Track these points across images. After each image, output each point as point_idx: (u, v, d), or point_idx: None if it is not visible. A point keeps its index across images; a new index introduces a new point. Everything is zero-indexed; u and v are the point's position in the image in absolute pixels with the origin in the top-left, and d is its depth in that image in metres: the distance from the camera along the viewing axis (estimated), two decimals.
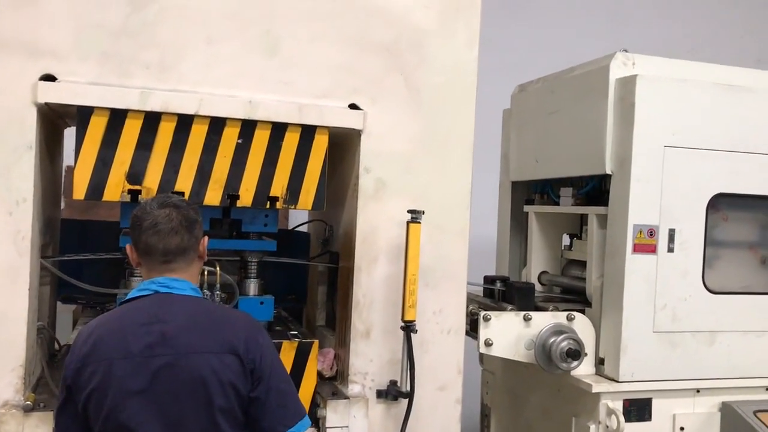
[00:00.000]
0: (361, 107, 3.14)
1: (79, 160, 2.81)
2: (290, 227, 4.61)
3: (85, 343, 2.20)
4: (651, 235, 3.50)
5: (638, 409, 3.53)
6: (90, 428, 2.17)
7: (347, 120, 3.12)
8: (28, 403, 2.72)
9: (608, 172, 3.60)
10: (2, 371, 2.72)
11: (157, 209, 2.29)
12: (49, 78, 2.76)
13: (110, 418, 2.11)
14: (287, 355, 2.98)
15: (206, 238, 2.41)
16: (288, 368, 2.89)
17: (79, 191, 2.81)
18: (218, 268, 3.08)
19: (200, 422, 2.15)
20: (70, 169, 3.72)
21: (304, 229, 4.19)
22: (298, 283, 3.94)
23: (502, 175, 4.64)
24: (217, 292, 3.06)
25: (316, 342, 3.08)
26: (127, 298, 2.32)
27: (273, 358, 2.31)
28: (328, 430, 3.04)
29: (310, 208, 3.14)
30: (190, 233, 2.31)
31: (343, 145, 3.31)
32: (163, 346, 2.15)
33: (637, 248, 3.47)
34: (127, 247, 2.37)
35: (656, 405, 3.56)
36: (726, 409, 3.62)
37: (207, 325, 2.23)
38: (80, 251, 3.31)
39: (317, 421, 3.05)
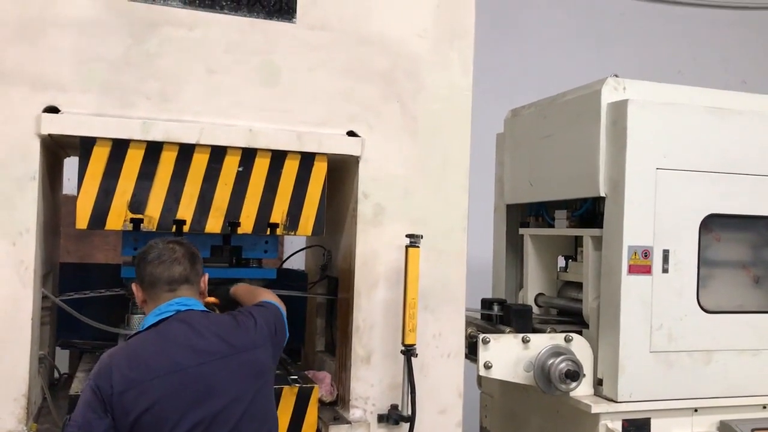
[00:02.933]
0: (359, 134, 3.19)
1: (82, 190, 2.84)
2: (286, 254, 4.63)
3: (122, 368, 2.27)
4: (645, 256, 3.55)
5: (637, 428, 3.55)
6: None
7: (345, 147, 3.17)
8: None
9: (602, 194, 3.65)
10: (5, 401, 2.72)
11: (161, 244, 2.51)
12: (52, 110, 2.80)
13: (176, 429, 2.23)
14: (287, 401, 2.98)
15: (206, 275, 2.60)
16: (288, 415, 2.97)
17: (82, 220, 2.83)
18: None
19: (256, 409, 2.38)
20: (67, 198, 3.76)
21: (302, 255, 4.21)
22: (296, 321, 3.89)
23: (497, 198, 4.69)
24: None
25: (317, 387, 3.08)
26: (151, 323, 2.41)
27: (277, 320, 2.64)
28: None
29: (309, 233, 3.17)
30: (192, 266, 2.51)
31: (342, 171, 3.36)
32: (211, 353, 2.34)
33: (632, 269, 3.52)
34: (133, 285, 2.52)
35: (655, 425, 3.58)
36: (724, 428, 3.65)
37: (237, 328, 2.45)
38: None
39: None
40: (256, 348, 2.45)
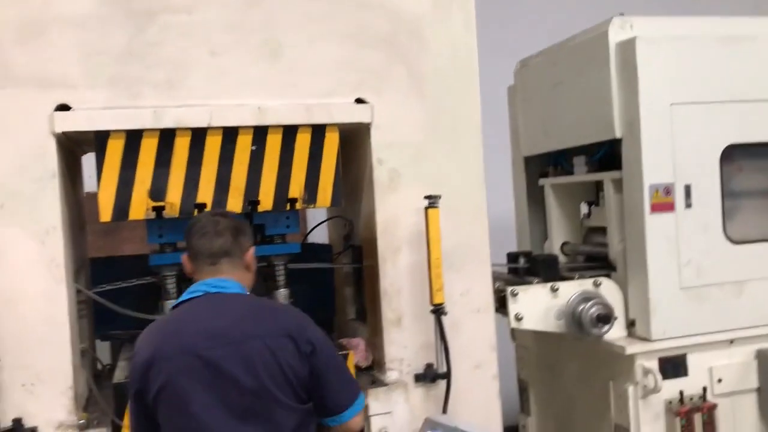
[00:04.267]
0: (367, 101, 3.19)
1: (102, 184, 2.89)
2: (309, 228, 4.68)
3: (148, 347, 2.34)
4: (667, 193, 3.52)
5: (674, 366, 3.56)
6: (160, 426, 2.32)
7: (355, 115, 3.17)
8: (83, 421, 2.82)
9: (618, 136, 3.62)
10: (53, 394, 2.81)
11: (207, 217, 2.55)
12: (63, 107, 2.84)
13: (182, 411, 2.26)
14: None
15: (253, 248, 2.56)
16: None
17: (105, 214, 2.88)
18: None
19: (263, 402, 2.28)
20: (90, 196, 3.82)
21: (324, 227, 4.25)
22: (324, 294, 3.95)
23: (514, 151, 4.67)
24: None
25: (351, 353, 3.15)
26: (179, 300, 2.46)
27: (325, 341, 2.44)
28: (371, 418, 3.10)
29: (329, 205, 3.20)
30: (235, 238, 2.49)
31: (354, 140, 3.36)
32: (222, 338, 2.30)
33: (655, 207, 3.50)
34: (183, 257, 2.55)
35: (691, 360, 3.59)
36: (762, 356, 3.65)
37: (260, 314, 2.40)
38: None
39: None
40: (277, 336, 2.33)
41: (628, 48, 3.53)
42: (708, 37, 3.62)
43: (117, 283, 3.33)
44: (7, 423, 2.74)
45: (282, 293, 3.33)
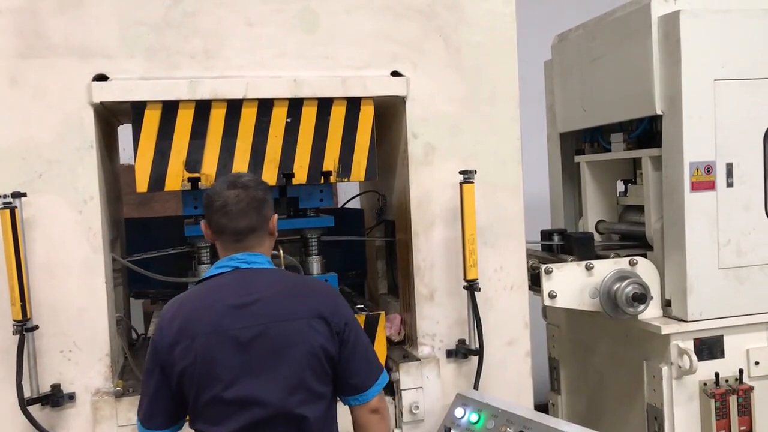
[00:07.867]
0: (403, 74, 3.15)
1: (138, 154, 2.90)
2: (340, 202, 4.67)
3: (173, 321, 2.24)
4: (708, 171, 3.44)
5: (710, 347, 3.51)
6: (183, 401, 2.24)
7: (391, 88, 3.13)
8: (119, 389, 2.86)
9: (658, 112, 3.54)
10: (91, 361, 2.86)
11: (226, 190, 2.32)
12: (101, 78, 2.85)
13: (207, 389, 2.18)
14: None
15: (275, 216, 2.44)
16: None
17: (142, 184, 2.90)
18: (281, 251, 3.14)
19: (292, 383, 2.22)
20: (125, 167, 3.85)
21: (357, 201, 4.24)
22: (357, 259, 3.98)
23: (549, 127, 4.60)
24: None
25: (383, 313, 3.14)
26: (208, 275, 2.36)
27: (354, 320, 2.40)
28: (403, 392, 3.10)
29: (362, 179, 3.17)
30: (259, 213, 2.34)
31: (389, 113, 3.33)
32: (254, 317, 2.22)
33: (695, 186, 3.43)
34: (202, 224, 2.42)
35: (728, 341, 3.53)
36: None
37: (293, 294, 2.31)
38: (144, 248, 3.36)
39: (391, 385, 3.12)
40: (310, 318, 2.25)
41: (671, 21, 3.44)
42: (755, 10, 3.51)
43: (152, 252, 3.35)
44: (46, 389, 2.79)
45: (316, 261, 3.32)
